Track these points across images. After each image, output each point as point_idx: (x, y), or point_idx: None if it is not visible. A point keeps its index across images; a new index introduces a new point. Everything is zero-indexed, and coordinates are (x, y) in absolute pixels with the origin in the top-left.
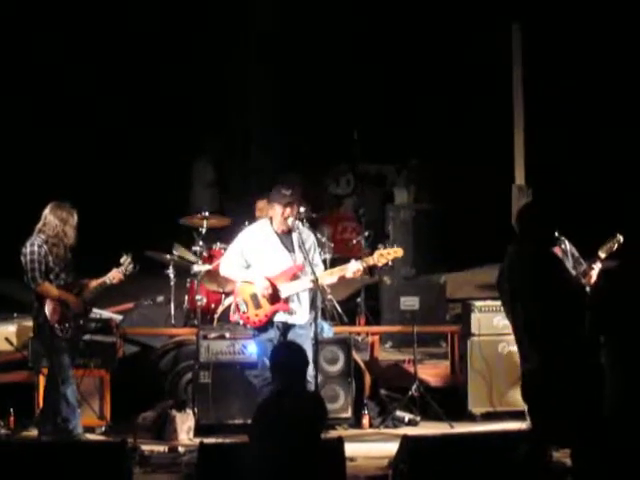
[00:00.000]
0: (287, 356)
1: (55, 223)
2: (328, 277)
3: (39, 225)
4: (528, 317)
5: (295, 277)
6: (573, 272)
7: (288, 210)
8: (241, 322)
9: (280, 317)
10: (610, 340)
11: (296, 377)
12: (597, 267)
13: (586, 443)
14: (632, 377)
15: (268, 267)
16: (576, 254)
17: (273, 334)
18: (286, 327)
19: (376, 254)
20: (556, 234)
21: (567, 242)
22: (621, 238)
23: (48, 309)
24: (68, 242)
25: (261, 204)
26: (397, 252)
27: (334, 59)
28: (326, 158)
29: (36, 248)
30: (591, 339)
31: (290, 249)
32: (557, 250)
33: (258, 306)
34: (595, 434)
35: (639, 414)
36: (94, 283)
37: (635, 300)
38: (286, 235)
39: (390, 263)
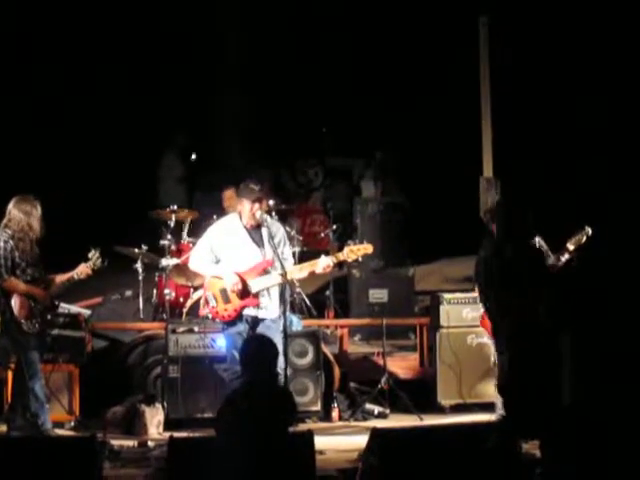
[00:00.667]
0: (257, 348)
1: (20, 217)
2: (298, 272)
3: (4, 221)
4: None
5: (265, 272)
6: None
7: (257, 205)
8: (210, 316)
9: (250, 311)
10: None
11: (265, 370)
12: (564, 259)
13: (550, 433)
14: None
15: (238, 262)
16: (544, 247)
17: (242, 327)
18: (255, 321)
19: (346, 250)
20: None
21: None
22: (589, 230)
23: (15, 304)
24: (34, 235)
25: (229, 193)
26: (367, 249)
27: (302, 53)
28: (295, 151)
29: (1, 244)
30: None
31: (259, 244)
32: None
33: (227, 301)
34: (558, 423)
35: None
36: (61, 278)
37: None
38: (255, 230)
39: (360, 259)
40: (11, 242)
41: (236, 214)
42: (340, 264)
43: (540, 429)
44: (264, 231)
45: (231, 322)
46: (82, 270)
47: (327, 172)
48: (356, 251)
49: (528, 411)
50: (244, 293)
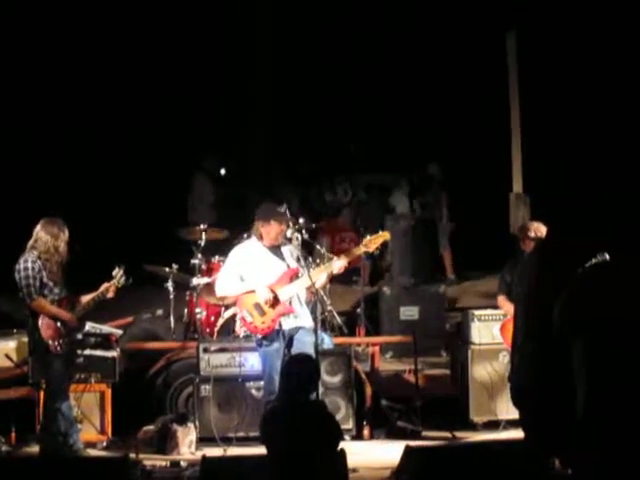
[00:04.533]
0: (302, 368)
1: (47, 239)
2: (317, 275)
3: (31, 242)
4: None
5: (292, 280)
6: None
7: (284, 226)
8: (247, 333)
9: (286, 323)
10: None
11: (308, 390)
12: None
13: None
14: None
15: (264, 277)
16: None
17: (278, 345)
18: (290, 336)
19: (364, 241)
20: None
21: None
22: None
23: (42, 325)
24: (60, 258)
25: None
26: (384, 236)
27: (330, 70)
28: (323, 169)
29: (29, 264)
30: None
31: (281, 258)
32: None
33: (263, 313)
34: (575, 439)
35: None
36: (86, 298)
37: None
38: (275, 248)
39: (378, 250)
40: (39, 262)
41: (253, 237)
42: (372, 280)
43: (558, 445)
44: (284, 250)
45: (269, 337)
46: (106, 288)
47: (356, 188)
48: (375, 239)
49: (546, 426)
50: (276, 302)
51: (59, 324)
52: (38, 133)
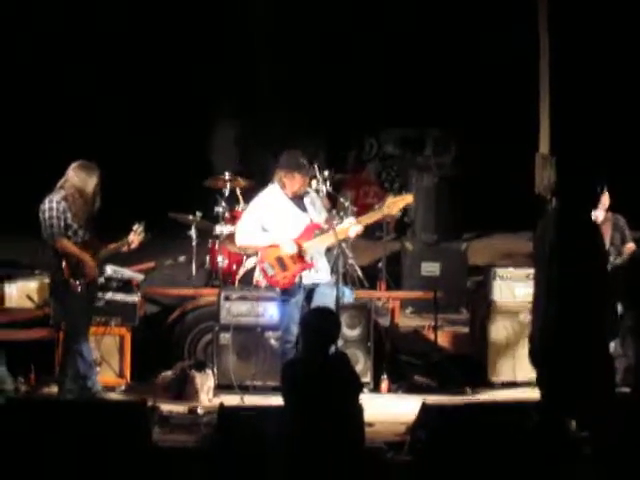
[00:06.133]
0: (323, 321)
1: (75, 180)
2: (339, 236)
3: (60, 182)
4: (556, 279)
5: (315, 235)
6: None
7: (307, 178)
8: (268, 285)
9: (307, 277)
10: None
11: (328, 342)
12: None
13: (599, 417)
14: None
15: (287, 230)
16: (627, 232)
17: (299, 297)
18: (310, 289)
19: (387, 203)
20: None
21: (622, 219)
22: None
23: (64, 265)
24: (86, 202)
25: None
26: (407, 199)
27: (354, 27)
28: (350, 122)
29: (54, 204)
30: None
31: (304, 210)
32: (607, 222)
33: (285, 268)
34: (608, 409)
35: None
36: (112, 246)
37: None
38: (297, 199)
39: (404, 215)
40: (64, 203)
41: (275, 184)
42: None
43: (582, 410)
44: (306, 200)
45: (290, 290)
46: (129, 240)
47: (382, 143)
48: (398, 202)
49: (570, 388)
50: (300, 257)
51: (81, 266)
52: (71, 79)
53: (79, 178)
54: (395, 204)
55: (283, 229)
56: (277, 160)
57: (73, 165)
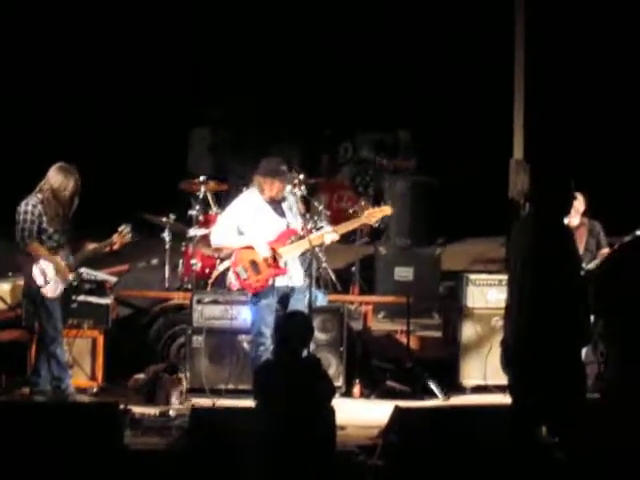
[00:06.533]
0: (296, 325)
1: (53, 183)
2: (314, 242)
3: (40, 184)
4: (529, 284)
5: (290, 241)
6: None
7: (287, 184)
8: (239, 288)
9: (280, 281)
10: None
11: (301, 345)
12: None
13: (569, 423)
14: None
15: (262, 234)
16: (602, 238)
17: (272, 300)
18: (284, 292)
19: (365, 213)
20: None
21: (598, 225)
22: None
23: (37, 269)
24: (65, 204)
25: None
26: (385, 210)
27: (330, 30)
28: (325, 126)
29: (30, 208)
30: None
31: (282, 215)
32: (583, 227)
33: (258, 272)
34: (579, 415)
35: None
36: (90, 247)
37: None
38: (275, 203)
39: (379, 224)
40: (40, 207)
41: (254, 189)
42: (371, 238)
43: (553, 415)
44: (284, 205)
45: (262, 294)
46: (113, 242)
47: (356, 147)
48: (376, 213)
49: (541, 394)
50: (274, 262)
51: (53, 269)
52: (44, 86)
53: (57, 180)
54: (373, 215)
55: (259, 233)
56: (255, 165)
57: (53, 167)
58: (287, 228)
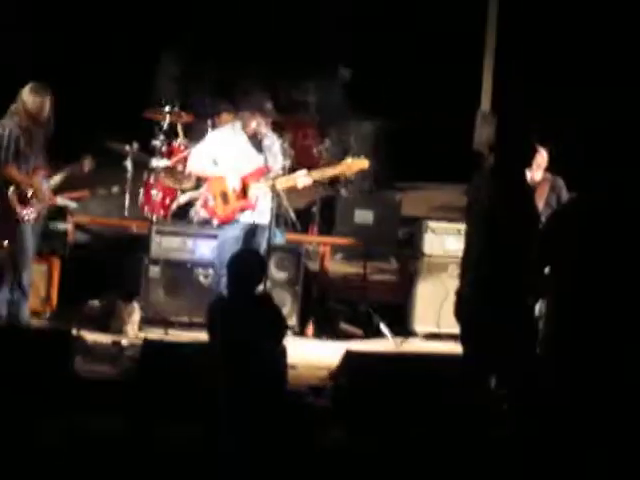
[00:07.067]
0: (247, 262)
1: (29, 105)
2: (284, 182)
3: (13, 107)
4: (485, 236)
5: (263, 178)
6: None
7: (269, 121)
8: (202, 219)
9: (246, 217)
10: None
11: (252, 283)
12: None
13: (518, 375)
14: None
15: (237, 167)
16: (564, 194)
17: (238, 233)
18: (248, 229)
19: (343, 163)
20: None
21: (560, 181)
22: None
23: (13, 193)
24: (43, 125)
25: (226, 117)
26: (363, 163)
27: None
28: (290, 61)
29: (7, 132)
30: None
31: (259, 151)
32: (545, 182)
33: (226, 202)
34: (528, 368)
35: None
36: (65, 169)
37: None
38: (255, 140)
39: (352, 176)
40: (17, 130)
41: (237, 123)
42: (332, 181)
43: (500, 369)
44: (265, 142)
45: (228, 226)
46: (82, 164)
47: (322, 84)
48: (354, 165)
49: (489, 347)
50: (243, 195)
51: (29, 193)
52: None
53: (32, 102)
54: (351, 167)
55: (233, 165)
56: (219, 98)
57: (25, 88)
58: (263, 165)
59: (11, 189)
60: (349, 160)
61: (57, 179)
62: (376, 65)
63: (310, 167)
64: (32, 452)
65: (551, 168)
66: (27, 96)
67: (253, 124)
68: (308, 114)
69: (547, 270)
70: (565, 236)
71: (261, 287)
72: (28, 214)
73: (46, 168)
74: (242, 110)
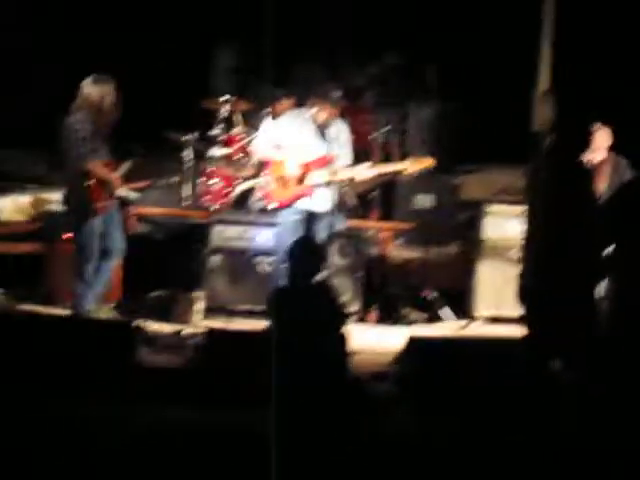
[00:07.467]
0: (306, 252)
1: (93, 98)
2: (347, 173)
3: (77, 102)
4: (543, 219)
5: (325, 167)
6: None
7: (337, 111)
8: (262, 207)
9: (303, 204)
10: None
11: (310, 273)
12: None
13: (582, 357)
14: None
15: (300, 153)
16: (627, 176)
17: (296, 219)
18: (306, 217)
19: (409, 161)
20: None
21: (624, 161)
22: None
23: (91, 186)
24: (108, 116)
25: (286, 104)
26: (428, 161)
27: None
28: (351, 48)
29: (81, 125)
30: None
31: (324, 140)
32: (607, 163)
33: (284, 186)
34: (592, 349)
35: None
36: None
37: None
38: (323, 127)
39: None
40: (88, 124)
41: (305, 110)
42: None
43: (568, 350)
44: (332, 131)
45: (286, 212)
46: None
47: (383, 71)
48: (419, 163)
49: (556, 329)
50: (301, 182)
51: (105, 187)
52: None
53: (96, 94)
54: (415, 164)
55: (296, 151)
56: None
57: (86, 81)
58: (325, 155)
59: (89, 182)
60: (413, 157)
61: (122, 170)
62: (433, 47)
63: (366, 153)
64: (123, 439)
65: (617, 148)
66: (89, 88)
67: (323, 114)
68: (364, 99)
69: (610, 250)
70: (629, 215)
71: (322, 274)
72: (105, 207)
73: (114, 160)
74: (312, 99)
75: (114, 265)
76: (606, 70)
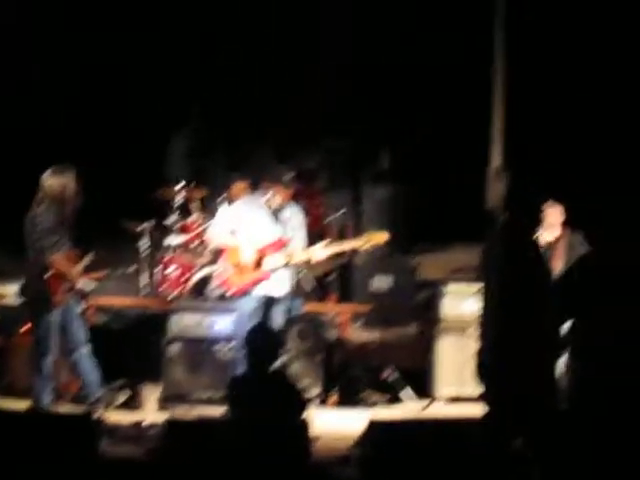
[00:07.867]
0: (263, 340)
1: (53, 190)
2: (300, 256)
3: (39, 196)
4: (498, 296)
5: (280, 250)
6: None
7: (289, 194)
8: (219, 294)
9: (262, 289)
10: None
11: (268, 361)
12: None
13: (540, 434)
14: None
15: (255, 238)
16: (582, 250)
17: (254, 305)
18: (264, 301)
19: (362, 238)
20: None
21: (579, 237)
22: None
23: (49, 279)
24: (70, 207)
25: (241, 185)
26: (382, 237)
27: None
28: (298, 134)
29: (44, 217)
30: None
31: (278, 223)
32: (562, 240)
33: (241, 273)
34: (550, 425)
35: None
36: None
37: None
38: (276, 211)
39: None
40: (49, 217)
41: (257, 194)
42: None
43: (525, 428)
44: (285, 214)
45: (244, 300)
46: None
47: (331, 154)
48: (374, 238)
49: (511, 404)
50: (257, 267)
51: (65, 280)
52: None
53: (57, 185)
54: (370, 239)
55: (250, 236)
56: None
57: (46, 174)
58: (280, 238)
59: (49, 274)
60: (368, 233)
61: (83, 264)
62: (384, 131)
63: (322, 236)
64: None
65: (571, 223)
66: (50, 180)
67: (277, 198)
68: (317, 182)
69: (567, 325)
70: (583, 290)
71: (281, 360)
72: (63, 299)
73: (76, 252)
74: (263, 183)
75: (87, 351)
76: (558, 147)
